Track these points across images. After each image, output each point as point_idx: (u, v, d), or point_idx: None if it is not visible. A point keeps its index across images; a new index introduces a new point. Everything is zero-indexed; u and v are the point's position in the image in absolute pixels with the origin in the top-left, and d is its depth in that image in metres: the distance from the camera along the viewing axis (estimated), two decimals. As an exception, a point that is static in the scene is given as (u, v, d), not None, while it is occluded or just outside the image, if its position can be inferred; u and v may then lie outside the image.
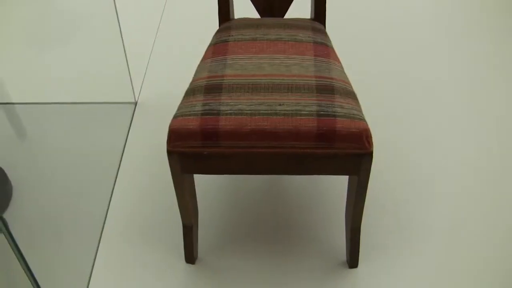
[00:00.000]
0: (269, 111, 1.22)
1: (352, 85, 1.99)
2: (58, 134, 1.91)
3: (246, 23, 1.47)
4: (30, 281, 1.13)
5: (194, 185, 1.41)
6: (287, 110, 1.22)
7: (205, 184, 1.72)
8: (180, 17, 2.38)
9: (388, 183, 1.71)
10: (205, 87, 1.29)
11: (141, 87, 2.06)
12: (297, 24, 1.47)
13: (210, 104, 1.24)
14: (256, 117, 1.21)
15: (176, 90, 2.02)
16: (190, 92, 1.31)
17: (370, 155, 1.23)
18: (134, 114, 1.95)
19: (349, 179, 1.37)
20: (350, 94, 1.30)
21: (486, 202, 1.66)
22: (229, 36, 1.42)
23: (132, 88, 2.03)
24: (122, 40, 1.97)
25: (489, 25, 2.30)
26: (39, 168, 1.80)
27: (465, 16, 2.36)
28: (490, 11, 2.38)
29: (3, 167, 1.78)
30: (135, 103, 1.99)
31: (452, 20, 2.34)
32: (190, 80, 1.85)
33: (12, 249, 1.03)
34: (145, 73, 2.12)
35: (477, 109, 1.94)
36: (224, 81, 1.28)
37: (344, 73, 1.37)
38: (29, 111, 2.02)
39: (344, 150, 1.22)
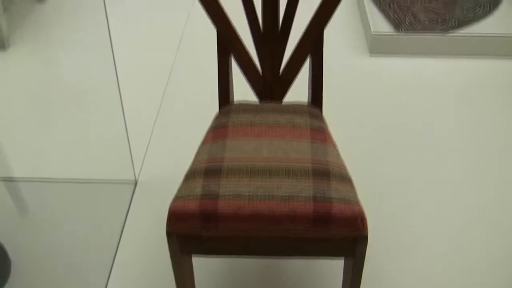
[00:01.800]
0: (267, 195, 1.27)
1: (348, 167, 2.06)
2: (58, 211, 1.96)
3: (245, 107, 1.55)
4: None
5: (192, 267, 1.45)
6: (284, 194, 1.27)
7: (203, 264, 1.75)
8: (181, 98, 2.49)
9: (384, 265, 1.74)
10: (205, 170, 1.35)
11: (141, 166, 2.12)
12: (294, 109, 1.55)
13: (209, 187, 1.30)
14: (254, 200, 1.27)
15: (176, 170, 2.08)
16: (190, 175, 1.37)
17: (365, 238, 1.27)
18: (134, 193, 2.01)
19: (345, 261, 1.41)
20: (346, 178, 1.36)
21: None
22: (229, 120, 1.50)
23: (133, 166, 2.09)
24: (124, 118, 2.05)
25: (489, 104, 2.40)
26: (38, 244, 1.84)
27: (465, 98, 2.46)
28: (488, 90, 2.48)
29: (2, 243, 1.81)
30: (135, 182, 2.05)
31: (451, 103, 2.44)
32: (191, 160, 1.92)
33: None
34: (145, 153, 2.19)
35: (478, 189, 2.00)
36: (224, 164, 1.35)
37: (340, 157, 1.44)
38: (30, 187, 2.07)
39: (339, 233, 1.27)
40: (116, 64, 2.16)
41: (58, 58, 2.83)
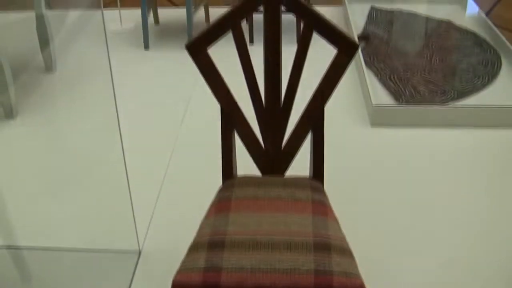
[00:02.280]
0: (269, 268, 1.31)
1: (349, 240, 2.09)
2: (60, 279, 1.98)
3: (248, 181, 1.60)
4: None
5: None
6: (286, 267, 1.31)
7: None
8: (185, 170, 2.54)
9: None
10: (208, 243, 1.39)
11: (145, 236, 2.16)
12: (296, 182, 1.60)
13: (212, 260, 1.34)
14: (257, 273, 1.30)
15: (180, 242, 2.12)
16: (194, 247, 1.41)
17: (366, 312, 1.30)
18: (138, 264, 2.03)
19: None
20: (346, 251, 1.39)
21: None
22: (232, 193, 1.55)
23: (137, 237, 2.12)
24: (129, 189, 2.10)
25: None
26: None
27: (465, 175, 2.51)
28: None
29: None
30: (139, 252, 2.08)
31: (452, 173, 2.49)
32: (194, 232, 1.96)
33: None
34: (149, 224, 2.22)
35: (481, 254, 2.02)
36: (227, 238, 1.39)
37: (341, 230, 1.48)
38: (34, 255, 2.10)
39: (341, 307, 1.29)
40: (122, 136, 2.23)
41: (65, 128, 2.91)
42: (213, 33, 1.52)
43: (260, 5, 1.51)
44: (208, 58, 1.55)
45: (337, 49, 1.51)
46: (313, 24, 1.49)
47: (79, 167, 2.57)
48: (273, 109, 1.60)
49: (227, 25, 1.51)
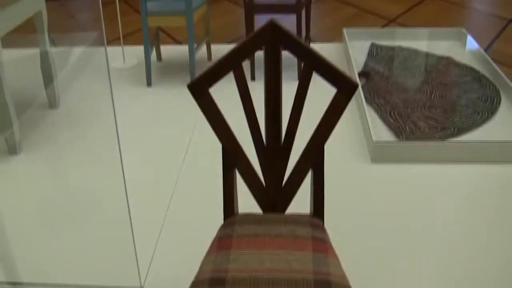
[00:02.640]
0: (270, 306, 1.32)
1: (349, 277, 2.10)
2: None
3: (249, 218, 1.63)
4: None
5: None
6: (286, 305, 1.32)
7: None
8: (186, 208, 2.57)
9: None
10: (209, 280, 1.41)
11: (147, 273, 2.17)
12: (296, 220, 1.62)
13: (214, 298, 1.35)
14: (257, 311, 1.31)
15: (181, 279, 2.13)
16: (195, 285, 1.42)
17: None
18: (139, 301, 2.04)
19: None
20: (347, 289, 1.41)
21: None
22: (233, 231, 1.57)
23: (139, 274, 2.14)
24: (131, 226, 2.12)
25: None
26: None
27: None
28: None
29: None
30: (141, 290, 2.10)
31: (452, 208, 2.51)
32: (196, 269, 1.98)
33: None
34: (151, 261, 2.24)
35: (476, 300, 2.02)
36: (228, 275, 1.41)
37: (341, 267, 1.50)
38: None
39: None
40: (124, 172, 2.27)
41: (67, 165, 2.95)
42: (215, 73, 1.56)
43: (261, 47, 1.56)
44: (209, 97, 1.60)
45: (336, 88, 1.55)
46: (312, 65, 1.53)
47: (81, 204, 2.60)
48: (274, 147, 1.64)
49: (228, 65, 1.56)
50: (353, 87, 1.52)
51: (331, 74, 1.52)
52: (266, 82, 1.59)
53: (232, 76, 1.61)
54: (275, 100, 1.59)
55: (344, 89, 1.53)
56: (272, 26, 1.53)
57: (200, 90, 1.57)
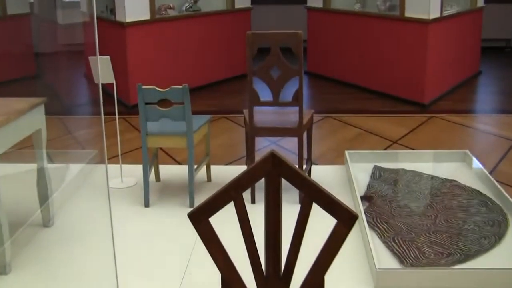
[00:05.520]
0: None
1: None
2: None
3: None
4: None
5: None
6: None
7: None
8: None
9: None
10: None
11: None
12: None
13: None
14: None
15: None
16: None
17: None
18: None
19: None
20: None
21: None
22: None
23: None
24: None
25: None
26: None
27: None
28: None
29: None
30: None
31: None
32: None
33: None
34: None
35: None
36: None
37: None
38: None
39: None
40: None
41: (58, 285, 2.97)
42: (215, 204, 1.65)
43: (261, 177, 1.66)
44: (209, 226, 1.68)
45: (336, 220, 1.63)
46: (312, 196, 1.63)
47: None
48: (274, 277, 1.69)
49: (228, 196, 1.65)
50: (352, 218, 1.61)
51: (331, 205, 1.61)
52: (266, 211, 1.68)
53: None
54: (274, 230, 1.67)
55: (344, 221, 1.61)
56: (273, 157, 1.65)
57: (200, 219, 1.66)
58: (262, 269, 1.70)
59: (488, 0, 7.21)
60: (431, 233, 3.35)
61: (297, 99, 3.67)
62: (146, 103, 3.70)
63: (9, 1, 7.13)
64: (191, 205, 3.78)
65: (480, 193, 3.90)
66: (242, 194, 1.67)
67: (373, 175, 4.21)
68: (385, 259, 3.06)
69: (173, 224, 3.60)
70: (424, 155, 4.53)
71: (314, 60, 7.45)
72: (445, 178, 4.14)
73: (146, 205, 3.83)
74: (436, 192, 3.92)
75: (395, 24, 6.19)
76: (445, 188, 3.98)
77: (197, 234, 1.67)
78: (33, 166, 3.51)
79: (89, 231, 3.52)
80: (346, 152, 4.42)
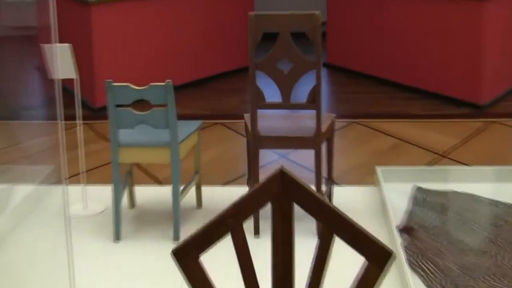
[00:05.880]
0: None
1: None
2: None
3: None
4: None
5: None
6: None
7: None
8: None
9: None
10: None
11: None
12: None
13: None
14: None
15: None
16: None
17: None
18: None
19: None
20: None
21: None
22: None
23: None
24: None
25: None
26: None
27: None
28: None
29: None
30: None
31: None
32: None
33: None
34: None
35: None
36: None
37: None
38: None
39: None
40: None
41: None
42: (208, 236, 1.64)
43: (267, 202, 1.65)
44: (199, 267, 1.66)
45: (365, 258, 1.61)
46: (333, 227, 1.61)
47: None
48: (283, 335, 1.68)
49: (225, 226, 1.64)
50: (387, 257, 1.59)
51: (358, 239, 1.59)
52: (273, 246, 1.66)
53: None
54: (284, 272, 1.65)
55: (376, 260, 1.59)
56: (282, 176, 1.63)
57: (187, 257, 1.64)
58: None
59: None
60: (492, 277, 3.33)
61: (314, 100, 3.65)
62: (118, 105, 3.69)
63: None
64: (176, 238, 3.76)
65: (555, 223, 3.87)
66: (242, 224, 1.66)
67: (414, 200, 4.19)
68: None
69: (152, 263, 3.58)
70: (482, 172, 4.50)
71: (336, 49, 7.45)
72: (510, 204, 4.11)
73: (117, 238, 3.81)
74: (499, 222, 3.89)
75: (441, 3, 6.19)
76: (510, 217, 3.96)
77: (184, 277, 1.65)
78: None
79: (40, 275, 3.49)
80: (378, 168, 4.39)
